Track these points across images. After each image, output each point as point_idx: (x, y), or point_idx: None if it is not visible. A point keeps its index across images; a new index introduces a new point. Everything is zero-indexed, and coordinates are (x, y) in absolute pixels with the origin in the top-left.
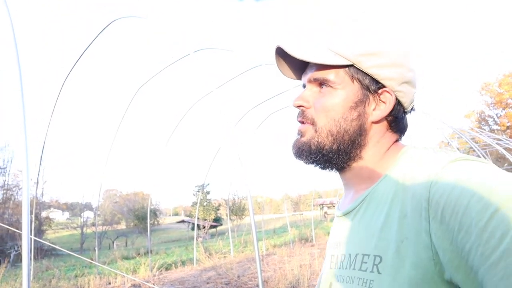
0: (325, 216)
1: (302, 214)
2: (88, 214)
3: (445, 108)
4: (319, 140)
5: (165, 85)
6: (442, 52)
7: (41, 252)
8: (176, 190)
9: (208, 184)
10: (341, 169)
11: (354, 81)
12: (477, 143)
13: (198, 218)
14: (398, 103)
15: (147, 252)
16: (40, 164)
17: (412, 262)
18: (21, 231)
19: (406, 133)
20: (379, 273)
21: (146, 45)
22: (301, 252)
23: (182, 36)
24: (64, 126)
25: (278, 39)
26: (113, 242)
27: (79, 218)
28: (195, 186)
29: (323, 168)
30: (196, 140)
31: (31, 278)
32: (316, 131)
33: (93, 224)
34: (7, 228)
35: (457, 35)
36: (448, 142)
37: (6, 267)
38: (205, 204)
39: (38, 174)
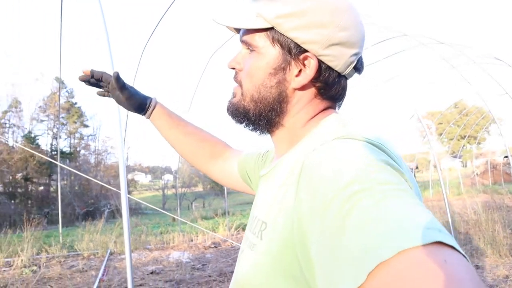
0: None
1: None
2: (168, 177)
3: None
4: (245, 104)
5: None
6: None
7: (129, 210)
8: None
9: None
10: (268, 133)
11: (275, 45)
12: None
13: None
14: (327, 67)
15: (224, 213)
16: (125, 130)
17: (279, 232)
18: (118, 190)
19: (343, 99)
20: (261, 238)
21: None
22: None
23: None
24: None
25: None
26: (191, 203)
27: (160, 180)
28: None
29: (253, 130)
30: None
31: (124, 232)
32: (242, 95)
33: (173, 186)
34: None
35: None
36: None
37: (102, 223)
38: None
39: (123, 141)
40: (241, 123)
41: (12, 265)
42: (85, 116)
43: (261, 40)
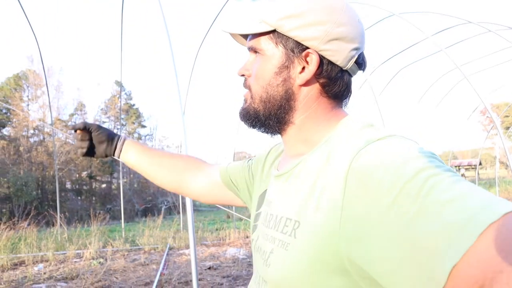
0: None
1: None
2: None
3: None
4: (255, 107)
5: None
6: None
7: (185, 207)
8: None
9: None
10: (279, 133)
11: (279, 46)
12: None
13: None
14: (329, 62)
15: None
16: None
17: (319, 231)
18: None
19: (348, 97)
20: (295, 237)
21: None
22: None
23: None
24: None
25: (223, 19)
26: None
27: None
28: None
29: (264, 132)
30: None
31: (181, 228)
32: (252, 98)
33: None
34: (158, 186)
35: None
36: None
37: (161, 219)
38: None
39: (184, 141)
40: (253, 126)
41: (82, 257)
42: (142, 117)
43: (265, 43)
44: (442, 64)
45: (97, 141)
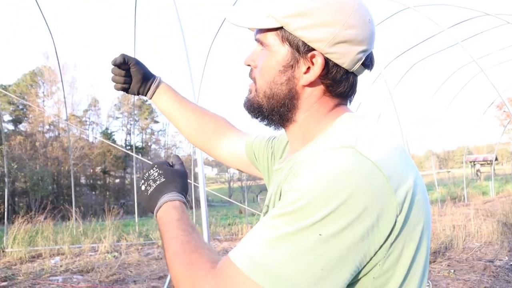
0: (477, 174)
1: (449, 171)
2: (233, 170)
3: None
4: (259, 100)
5: None
6: None
7: (198, 202)
8: None
9: None
10: (283, 128)
11: (285, 43)
12: None
13: None
14: (335, 65)
15: None
16: None
17: None
18: (191, 181)
19: (353, 96)
20: None
21: None
22: (452, 212)
23: None
24: (210, 89)
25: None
26: (257, 196)
27: (226, 173)
28: None
29: (268, 125)
30: None
31: (194, 223)
32: (256, 91)
33: (239, 179)
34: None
35: None
36: None
37: None
38: None
39: None
40: (256, 117)
41: (97, 251)
42: (155, 112)
43: (272, 38)
44: (458, 58)
45: (133, 77)
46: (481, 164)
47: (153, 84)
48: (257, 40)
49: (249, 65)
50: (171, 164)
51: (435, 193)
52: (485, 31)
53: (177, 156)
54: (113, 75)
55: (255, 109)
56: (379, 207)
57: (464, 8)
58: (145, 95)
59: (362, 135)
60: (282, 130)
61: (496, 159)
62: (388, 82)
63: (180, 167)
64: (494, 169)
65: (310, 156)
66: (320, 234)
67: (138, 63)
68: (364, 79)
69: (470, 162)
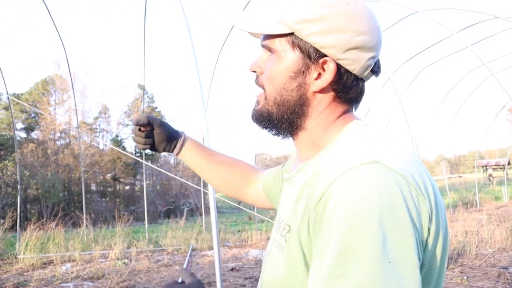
0: (489, 179)
1: (461, 176)
2: None
3: None
4: (268, 108)
5: None
6: None
7: (207, 209)
8: None
9: None
10: (291, 136)
11: (295, 49)
12: None
13: None
14: (346, 71)
15: None
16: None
17: (298, 236)
18: (201, 188)
19: (360, 101)
20: (286, 241)
21: None
22: (464, 217)
23: None
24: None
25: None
26: None
27: None
28: None
29: (276, 135)
30: None
31: (204, 230)
32: (265, 98)
33: None
34: (180, 187)
35: None
36: None
37: (183, 220)
38: None
39: (203, 142)
40: (265, 127)
41: (107, 257)
42: (165, 119)
43: (281, 44)
44: (467, 62)
45: (158, 137)
46: (493, 169)
47: (178, 142)
48: (264, 46)
49: (254, 71)
50: (181, 281)
51: (446, 198)
52: (495, 34)
53: (185, 270)
54: (136, 136)
55: (265, 118)
56: (416, 215)
57: (474, 11)
58: (172, 152)
59: (380, 146)
60: (291, 152)
61: (509, 163)
62: (397, 87)
63: (192, 279)
64: (506, 174)
65: (330, 173)
66: (389, 262)
67: (162, 125)
68: (373, 84)
69: (482, 166)
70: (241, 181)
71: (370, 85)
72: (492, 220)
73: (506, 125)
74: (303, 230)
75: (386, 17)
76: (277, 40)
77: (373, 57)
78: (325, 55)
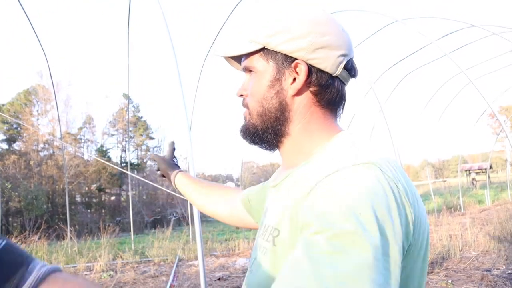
0: (473, 183)
1: (445, 181)
2: (229, 184)
3: None
4: (253, 122)
5: None
6: None
7: (194, 218)
8: None
9: None
10: (277, 146)
11: (269, 61)
12: None
13: None
14: (318, 70)
15: None
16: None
17: (289, 239)
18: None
19: (342, 106)
20: (274, 244)
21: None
22: (449, 221)
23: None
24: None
25: (217, 46)
26: None
27: None
28: None
29: (264, 148)
30: None
31: (190, 240)
32: (250, 114)
33: None
34: (166, 197)
35: None
36: None
37: (170, 231)
38: None
39: (187, 152)
40: (253, 141)
41: (92, 270)
42: (150, 129)
43: (257, 61)
44: (447, 69)
45: (161, 174)
46: (476, 173)
47: (171, 175)
48: (245, 68)
49: (241, 95)
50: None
51: (431, 203)
52: (472, 42)
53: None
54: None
55: (251, 132)
56: (404, 217)
57: (451, 20)
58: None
59: (371, 153)
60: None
61: (491, 167)
62: (379, 95)
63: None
64: (489, 177)
65: (322, 173)
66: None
67: (162, 162)
68: (356, 91)
69: (465, 171)
70: (230, 207)
71: (354, 91)
72: (475, 224)
73: (488, 130)
74: (293, 232)
75: (367, 26)
76: (254, 58)
77: (343, 55)
78: (296, 59)
